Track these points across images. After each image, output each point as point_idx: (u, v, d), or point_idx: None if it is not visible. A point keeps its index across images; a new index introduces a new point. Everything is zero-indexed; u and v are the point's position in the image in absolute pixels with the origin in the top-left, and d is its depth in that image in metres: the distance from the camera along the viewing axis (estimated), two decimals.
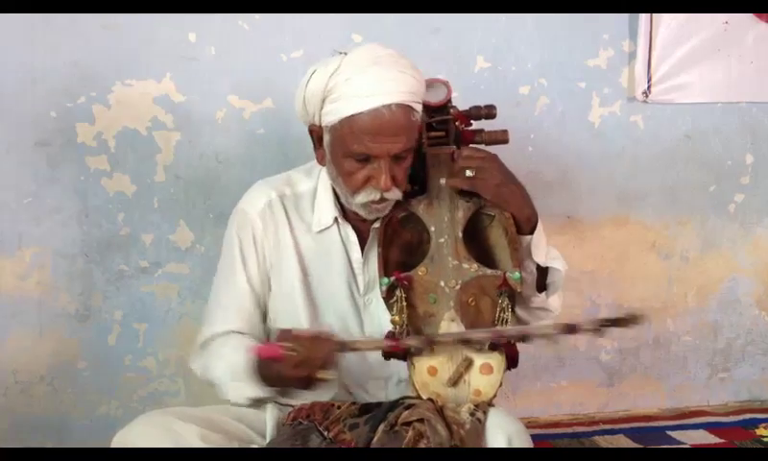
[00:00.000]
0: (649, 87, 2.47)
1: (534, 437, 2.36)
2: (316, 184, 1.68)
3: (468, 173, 1.56)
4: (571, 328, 1.45)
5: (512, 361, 1.52)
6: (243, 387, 1.55)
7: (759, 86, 2.56)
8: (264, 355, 1.48)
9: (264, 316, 1.71)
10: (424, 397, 1.46)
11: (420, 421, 1.37)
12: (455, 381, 1.47)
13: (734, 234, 2.64)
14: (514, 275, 1.51)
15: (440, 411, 1.41)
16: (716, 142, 2.59)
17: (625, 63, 2.48)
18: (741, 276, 2.67)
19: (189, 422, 1.42)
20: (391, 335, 1.48)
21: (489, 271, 1.54)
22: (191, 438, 1.40)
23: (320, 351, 1.43)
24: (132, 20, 2.13)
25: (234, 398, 1.58)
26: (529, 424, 2.44)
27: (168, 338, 2.29)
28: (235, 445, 1.49)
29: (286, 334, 1.47)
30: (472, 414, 1.40)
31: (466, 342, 1.48)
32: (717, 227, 2.63)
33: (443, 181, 1.60)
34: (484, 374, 1.47)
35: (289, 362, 1.43)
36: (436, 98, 1.62)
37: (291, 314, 1.66)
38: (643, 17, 2.43)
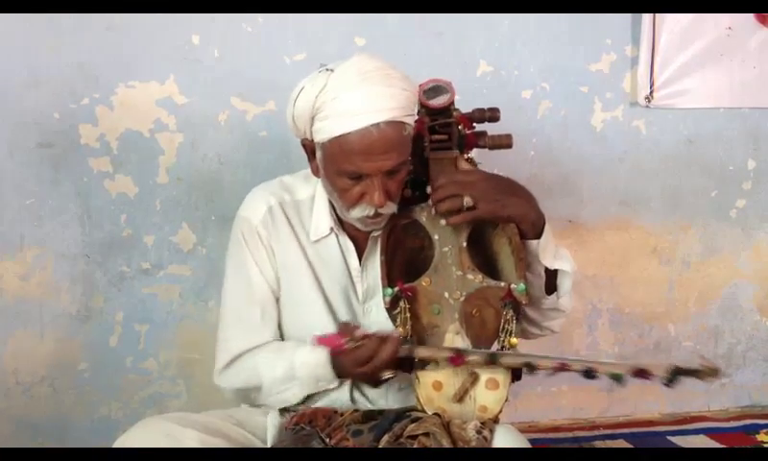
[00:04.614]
0: (651, 92, 2.47)
1: (534, 441, 2.40)
2: (314, 192, 1.66)
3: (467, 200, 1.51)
4: (642, 372, 1.46)
5: (516, 374, 1.49)
6: (305, 383, 1.56)
7: (762, 92, 2.56)
8: (325, 345, 1.47)
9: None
10: (429, 412, 1.44)
11: (426, 435, 1.36)
12: (461, 397, 1.45)
13: (736, 240, 2.64)
14: (519, 287, 1.48)
15: (446, 426, 1.39)
16: (718, 147, 2.59)
17: (627, 68, 2.48)
18: (742, 281, 2.67)
19: (189, 427, 1.40)
20: (456, 350, 1.44)
21: (493, 282, 1.51)
22: (191, 444, 1.37)
23: (384, 352, 1.43)
24: (135, 22, 2.14)
25: (291, 398, 1.58)
26: (530, 428, 2.50)
27: (169, 340, 2.29)
28: None
29: (349, 328, 1.46)
30: (479, 432, 1.38)
31: (529, 365, 1.43)
32: (719, 232, 2.63)
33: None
34: (490, 389, 1.45)
35: (352, 357, 1.44)
36: (438, 100, 1.56)
37: (308, 318, 1.64)
38: (646, 22, 2.43)
